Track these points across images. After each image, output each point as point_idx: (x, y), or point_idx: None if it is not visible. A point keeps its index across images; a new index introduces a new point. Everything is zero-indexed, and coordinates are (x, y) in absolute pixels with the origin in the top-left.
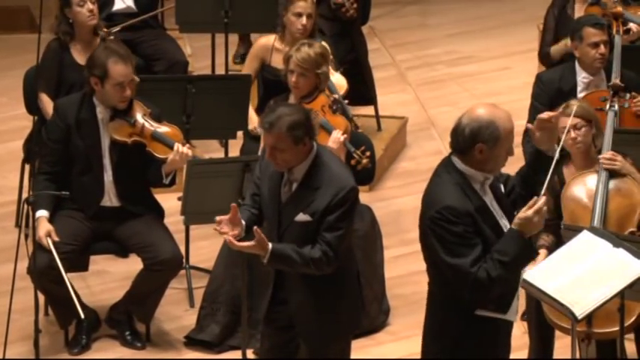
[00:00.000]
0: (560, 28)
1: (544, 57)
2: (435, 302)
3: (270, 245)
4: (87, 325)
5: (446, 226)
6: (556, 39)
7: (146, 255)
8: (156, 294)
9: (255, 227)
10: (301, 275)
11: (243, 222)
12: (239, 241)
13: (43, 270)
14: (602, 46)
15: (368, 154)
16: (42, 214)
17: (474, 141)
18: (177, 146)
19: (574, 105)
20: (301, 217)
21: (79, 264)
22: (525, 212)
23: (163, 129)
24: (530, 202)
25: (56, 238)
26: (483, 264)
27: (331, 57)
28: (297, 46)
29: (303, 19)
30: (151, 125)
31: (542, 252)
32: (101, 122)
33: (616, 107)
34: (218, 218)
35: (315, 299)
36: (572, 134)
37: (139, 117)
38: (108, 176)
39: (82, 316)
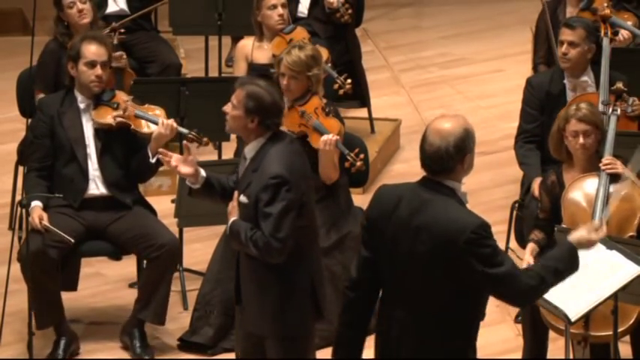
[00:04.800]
0: (551, 33)
1: (535, 67)
2: (430, 332)
3: (232, 219)
4: (64, 344)
5: (486, 242)
6: (549, 46)
7: (143, 245)
8: (160, 290)
9: (236, 192)
10: (251, 267)
11: (203, 174)
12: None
13: (36, 253)
14: (564, 46)
15: (362, 156)
16: (36, 204)
17: (462, 154)
18: (162, 120)
19: (584, 109)
20: (242, 198)
21: (69, 266)
22: (591, 234)
23: (146, 108)
24: (597, 224)
25: (47, 224)
26: (535, 268)
27: (325, 59)
28: (287, 48)
29: (279, 9)
30: (133, 106)
31: (531, 246)
32: (83, 112)
33: (618, 111)
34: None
35: (260, 292)
36: (582, 140)
37: (122, 100)
38: (93, 164)
39: (72, 240)
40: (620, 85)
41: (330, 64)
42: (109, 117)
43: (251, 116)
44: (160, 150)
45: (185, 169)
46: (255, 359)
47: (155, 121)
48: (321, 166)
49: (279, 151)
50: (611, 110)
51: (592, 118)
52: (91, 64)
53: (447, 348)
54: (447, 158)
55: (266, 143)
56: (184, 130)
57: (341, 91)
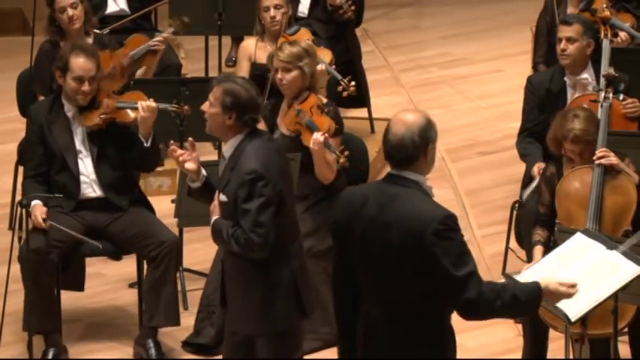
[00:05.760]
0: (552, 33)
1: (535, 69)
2: (404, 330)
3: (214, 217)
4: (53, 355)
5: (453, 236)
6: (549, 45)
7: (142, 243)
8: (165, 290)
9: (217, 192)
10: (235, 266)
11: (204, 173)
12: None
13: (36, 253)
14: (563, 42)
15: (346, 153)
16: (36, 202)
17: (426, 143)
18: (140, 103)
19: (577, 130)
20: (221, 197)
21: (74, 266)
22: (562, 289)
23: (125, 99)
24: (571, 283)
25: (45, 215)
26: (498, 286)
27: (329, 61)
28: (279, 45)
29: (272, 11)
30: (113, 98)
31: (538, 248)
32: (72, 120)
33: (610, 99)
34: (175, 148)
35: (245, 291)
36: (578, 159)
37: (102, 96)
38: (87, 169)
39: (100, 246)
40: (611, 70)
41: (333, 66)
42: (95, 118)
43: (229, 112)
44: (171, 147)
45: (190, 165)
46: (240, 359)
47: (135, 107)
48: (315, 165)
49: (256, 147)
50: (602, 97)
51: (585, 138)
52: (79, 80)
53: (421, 345)
54: (412, 146)
55: (243, 140)
56: (165, 106)
57: (345, 94)
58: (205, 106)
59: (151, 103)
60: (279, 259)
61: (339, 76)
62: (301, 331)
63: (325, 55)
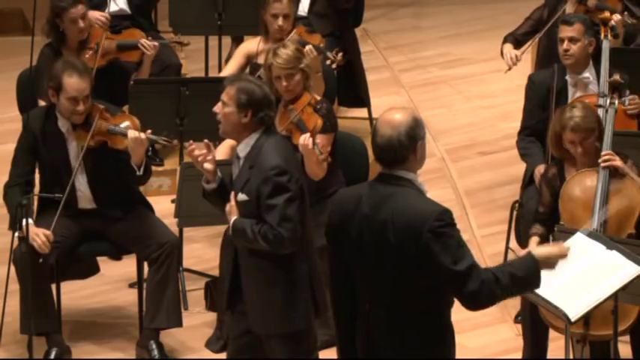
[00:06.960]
0: (549, 31)
1: (504, 40)
2: (403, 328)
3: (233, 218)
4: (56, 355)
5: (449, 231)
6: (548, 44)
7: (142, 245)
8: (167, 291)
9: (233, 192)
10: (255, 265)
11: (219, 174)
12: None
13: (33, 255)
14: (565, 42)
15: (328, 149)
16: (30, 223)
17: (414, 142)
18: (129, 134)
19: (576, 117)
20: (240, 196)
21: (79, 258)
22: (555, 250)
23: (118, 121)
24: (561, 247)
25: (48, 237)
26: (492, 269)
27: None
28: (271, 53)
29: (280, 20)
30: (106, 121)
31: (534, 239)
32: (66, 134)
33: (616, 104)
34: (194, 147)
35: (265, 291)
36: (579, 149)
37: (95, 115)
38: (81, 184)
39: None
40: (617, 77)
41: (323, 45)
42: (88, 138)
43: (244, 110)
44: (190, 146)
45: (208, 165)
46: (250, 358)
47: (126, 134)
48: (305, 163)
49: (274, 144)
50: (608, 103)
51: (585, 126)
52: (74, 100)
53: (421, 345)
54: (400, 147)
55: (260, 138)
56: (155, 138)
57: (334, 66)
58: (218, 108)
59: (141, 135)
60: (299, 256)
61: (327, 51)
62: (315, 331)
63: (314, 39)
